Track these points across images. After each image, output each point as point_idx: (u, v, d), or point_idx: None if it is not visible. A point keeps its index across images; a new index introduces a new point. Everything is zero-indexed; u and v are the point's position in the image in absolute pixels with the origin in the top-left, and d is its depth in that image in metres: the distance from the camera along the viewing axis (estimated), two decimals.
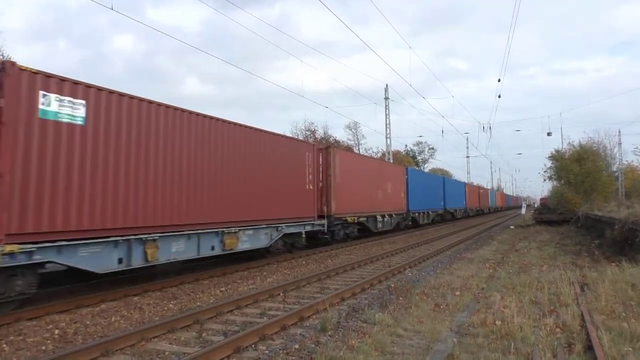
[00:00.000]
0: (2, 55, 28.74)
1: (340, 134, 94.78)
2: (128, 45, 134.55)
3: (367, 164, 23.50)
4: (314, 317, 7.63)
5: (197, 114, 11.17)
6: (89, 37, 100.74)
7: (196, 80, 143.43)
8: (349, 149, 53.97)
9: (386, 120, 37.01)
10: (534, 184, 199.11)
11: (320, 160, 17.69)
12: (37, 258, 7.52)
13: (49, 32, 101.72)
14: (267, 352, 5.83)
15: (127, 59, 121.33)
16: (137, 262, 9.34)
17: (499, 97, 33.83)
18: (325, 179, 17.85)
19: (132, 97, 9.41)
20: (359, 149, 62.43)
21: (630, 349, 5.52)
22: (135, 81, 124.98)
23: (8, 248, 6.97)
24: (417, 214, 30.43)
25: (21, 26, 77.86)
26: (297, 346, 5.96)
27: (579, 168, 32.61)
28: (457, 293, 9.07)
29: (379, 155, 56.40)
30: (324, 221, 17.32)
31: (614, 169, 49.23)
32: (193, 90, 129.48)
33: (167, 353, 6.01)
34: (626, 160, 55.65)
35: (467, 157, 71.87)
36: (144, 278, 10.74)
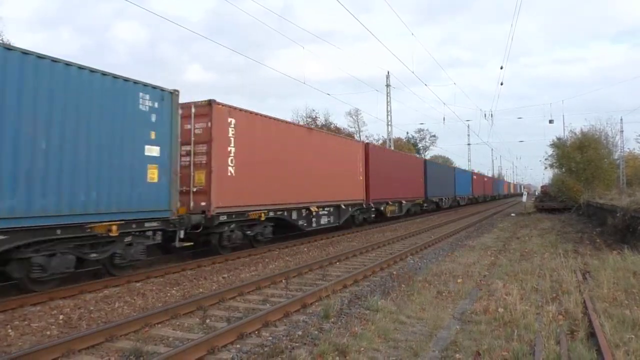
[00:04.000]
0: (2, 40, 28.58)
1: (341, 121, 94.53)
2: (131, 33, 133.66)
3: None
4: (317, 304, 7.65)
5: None
6: (93, 25, 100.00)
7: (199, 68, 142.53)
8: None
9: (387, 108, 36.88)
10: (535, 171, 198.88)
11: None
12: None
13: (53, 20, 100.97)
14: (270, 338, 5.85)
15: (130, 46, 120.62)
16: None
17: (501, 84, 33.72)
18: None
19: None
20: (359, 136, 62.25)
21: (633, 336, 5.53)
22: (139, 68, 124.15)
23: None
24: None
25: (26, 14, 77.41)
26: (300, 333, 5.97)
27: (580, 156, 32.49)
28: (459, 280, 9.09)
29: (380, 142, 56.24)
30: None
31: (616, 157, 49.03)
32: (196, 78, 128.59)
33: (170, 339, 6.05)
34: (628, 148, 55.51)
35: (469, 144, 71.77)
36: (145, 265, 10.77)
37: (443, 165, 47.57)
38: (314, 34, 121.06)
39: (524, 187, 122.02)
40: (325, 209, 17.79)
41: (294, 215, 15.77)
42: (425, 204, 32.20)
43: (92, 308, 7.45)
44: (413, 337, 5.80)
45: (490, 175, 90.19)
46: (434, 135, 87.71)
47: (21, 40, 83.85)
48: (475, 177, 55.07)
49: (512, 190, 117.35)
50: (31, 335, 6.15)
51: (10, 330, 6.28)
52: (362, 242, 16.39)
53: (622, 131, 52.48)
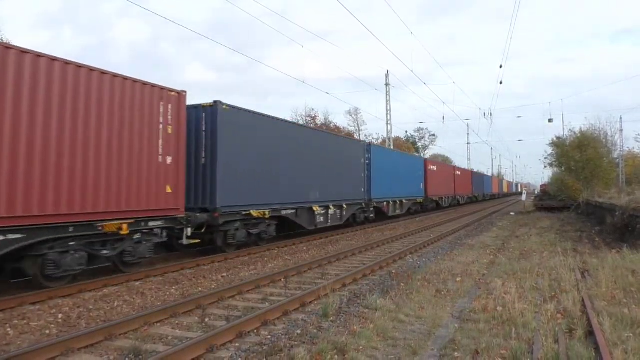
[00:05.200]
0: (1, 39, 28.57)
1: (341, 120, 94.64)
2: (133, 32, 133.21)
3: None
4: (316, 302, 7.66)
5: None
6: (95, 24, 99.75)
7: (200, 67, 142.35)
8: None
9: (387, 106, 36.84)
10: (534, 170, 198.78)
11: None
12: None
13: (55, 20, 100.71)
14: (269, 337, 5.85)
15: (131, 46, 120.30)
16: None
17: (501, 83, 33.68)
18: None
19: None
20: (359, 135, 62.20)
21: (631, 334, 5.54)
22: (140, 67, 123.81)
23: None
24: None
25: (28, 14, 77.41)
26: (299, 331, 5.98)
27: (580, 155, 32.52)
28: (458, 279, 9.10)
29: (379, 141, 56.21)
30: None
31: (615, 156, 49.08)
32: (196, 77, 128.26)
33: (170, 338, 6.05)
34: (627, 147, 55.63)
35: (468, 143, 71.69)
36: (144, 263, 10.76)
37: (330, 136, 21.27)
38: (314, 33, 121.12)
39: (521, 186, 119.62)
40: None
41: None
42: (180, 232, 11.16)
43: (91, 307, 7.45)
44: (412, 336, 5.80)
45: (490, 173, 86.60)
46: (434, 135, 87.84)
47: (22, 39, 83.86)
48: (434, 167, 34.92)
49: (505, 190, 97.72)
50: (30, 334, 6.15)
51: (9, 329, 6.29)
52: (361, 241, 16.40)
53: (621, 130, 52.58)
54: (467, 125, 69.71)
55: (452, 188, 40.61)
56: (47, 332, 6.28)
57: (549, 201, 35.28)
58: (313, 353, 5.03)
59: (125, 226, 9.22)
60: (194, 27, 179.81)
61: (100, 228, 8.80)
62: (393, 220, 25.81)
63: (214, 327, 6.30)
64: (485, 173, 79.21)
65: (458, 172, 45.14)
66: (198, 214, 11.40)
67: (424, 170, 32.15)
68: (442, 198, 36.64)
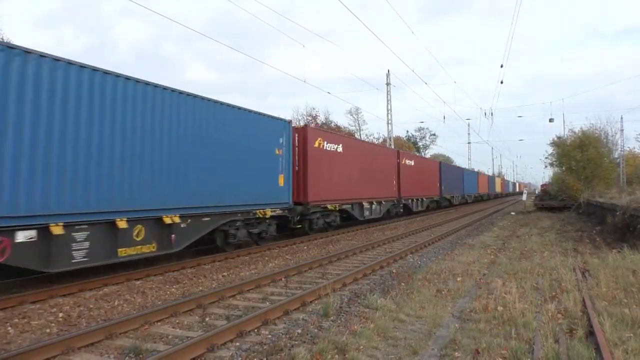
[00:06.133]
0: (2, 38, 28.62)
1: (342, 120, 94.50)
2: (135, 32, 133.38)
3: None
4: (316, 302, 7.65)
5: None
6: (97, 23, 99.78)
7: (201, 66, 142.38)
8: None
9: (387, 106, 36.83)
10: (535, 170, 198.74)
11: None
12: None
13: (57, 19, 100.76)
14: (270, 336, 5.85)
15: (133, 45, 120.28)
16: None
17: (502, 83, 33.67)
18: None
19: None
20: (360, 135, 62.14)
21: (632, 334, 5.54)
22: (142, 67, 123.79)
23: None
24: None
25: (29, 13, 77.49)
26: (299, 331, 5.98)
27: (580, 154, 32.52)
28: (459, 279, 9.10)
29: (380, 141, 56.14)
30: None
31: (616, 156, 49.09)
32: (198, 76, 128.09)
33: (170, 337, 6.05)
34: (628, 147, 55.70)
35: (469, 143, 71.67)
36: (145, 263, 10.77)
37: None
38: (315, 33, 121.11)
39: (520, 185, 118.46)
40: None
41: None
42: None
43: (91, 306, 7.45)
44: (412, 336, 5.80)
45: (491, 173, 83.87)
46: (434, 134, 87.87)
47: (24, 39, 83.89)
48: (335, 147, 18.06)
49: (498, 189, 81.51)
50: (31, 333, 6.16)
51: (10, 328, 6.29)
52: (361, 241, 16.39)
53: (622, 130, 52.67)
54: (468, 125, 69.82)
55: (392, 187, 25.06)
56: (48, 330, 6.29)
57: (550, 201, 35.25)
58: (313, 352, 5.03)
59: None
60: (195, 26, 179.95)
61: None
62: (393, 220, 25.73)
63: (214, 326, 6.30)
64: (465, 167, 60.36)
65: (409, 161, 28.19)
66: None
67: (290, 148, 15.15)
68: (358, 205, 20.53)
